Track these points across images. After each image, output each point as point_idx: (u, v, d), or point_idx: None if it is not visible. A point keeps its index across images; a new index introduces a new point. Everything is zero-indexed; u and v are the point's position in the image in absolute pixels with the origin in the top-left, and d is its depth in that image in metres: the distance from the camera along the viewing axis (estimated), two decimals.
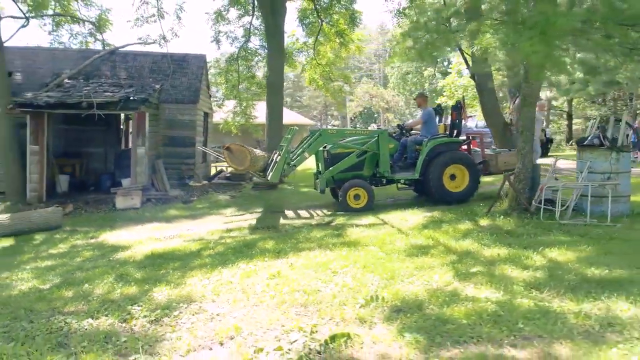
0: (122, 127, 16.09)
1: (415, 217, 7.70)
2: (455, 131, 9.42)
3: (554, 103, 30.54)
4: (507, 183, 7.46)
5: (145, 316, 3.84)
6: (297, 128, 9.91)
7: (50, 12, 13.65)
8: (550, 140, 21.80)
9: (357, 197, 8.65)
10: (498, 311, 3.49)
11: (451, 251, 5.39)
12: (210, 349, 3.21)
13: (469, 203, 8.57)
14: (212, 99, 17.30)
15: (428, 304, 3.73)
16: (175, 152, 13.41)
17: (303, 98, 69.38)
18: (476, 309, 3.54)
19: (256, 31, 16.77)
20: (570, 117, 31.67)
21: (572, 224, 6.41)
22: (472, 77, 15.78)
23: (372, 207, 8.60)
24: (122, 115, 15.35)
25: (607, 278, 4.15)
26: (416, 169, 8.82)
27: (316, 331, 3.28)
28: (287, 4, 14.66)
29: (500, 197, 7.73)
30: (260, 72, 18.43)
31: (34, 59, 13.73)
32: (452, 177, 8.76)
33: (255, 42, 17.02)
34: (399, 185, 9.58)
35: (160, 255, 6.14)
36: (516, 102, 15.46)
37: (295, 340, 3.17)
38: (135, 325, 3.67)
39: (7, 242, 8.32)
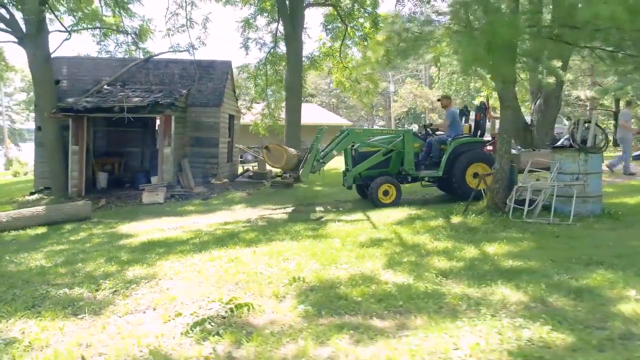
0: (157, 128, 17.34)
1: (401, 213, 8.15)
2: (479, 131, 9.85)
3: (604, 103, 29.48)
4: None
5: (110, 288, 4.64)
6: (327, 128, 10.33)
7: (88, 25, 14.98)
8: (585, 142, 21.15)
9: (386, 192, 9.13)
10: (392, 292, 4.00)
11: (401, 244, 5.87)
12: (144, 312, 3.94)
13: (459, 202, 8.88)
14: (241, 101, 18.27)
15: (340, 285, 4.29)
16: (200, 152, 14.43)
17: (350, 99, 69.97)
18: (376, 290, 4.07)
19: (283, 37, 17.57)
20: (616, 116, 30.37)
21: (535, 222, 6.68)
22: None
23: (399, 203, 9.04)
24: (158, 118, 16.59)
25: (516, 269, 4.52)
26: (440, 167, 9.29)
27: (230, 302, 3.93)
28: (307, 12, 15.34)
29: (482, 196, 8.04)
30: None
31: (79, 67, 15.20)
32: (475, 175, 9.08)
33: (282, 47, 17.82)
34: (423, 182, 9.95)
35: (153, 243, 6.99)
36: (537, 103, 15.52)
37: (211, 308, 3.83)
38: (98, 295, 4.48)
39: (41, 230, 9.49)
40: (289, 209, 10.02)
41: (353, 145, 9.54)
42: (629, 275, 4.15)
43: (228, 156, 15.68)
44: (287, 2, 14.17)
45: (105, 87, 14.39)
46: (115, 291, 4.54)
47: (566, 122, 22.49)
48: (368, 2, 16.58)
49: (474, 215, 7.37)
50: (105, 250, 6.65)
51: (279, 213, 9.61)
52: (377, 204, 8.94)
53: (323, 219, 8.35)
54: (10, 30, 13.42)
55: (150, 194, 12.53)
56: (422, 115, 59.71)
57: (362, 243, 6.01)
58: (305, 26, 15.84)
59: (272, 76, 18.27)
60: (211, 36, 61.83)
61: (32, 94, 51.62)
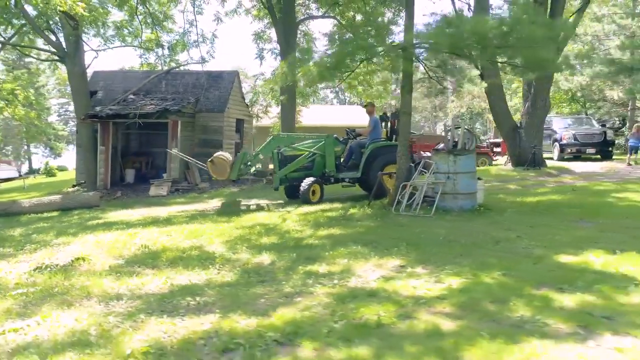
0: None
1: (317, 207, 9.37)
2: (394, 136, 10.60)
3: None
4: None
5: (37, 246, 6.50)
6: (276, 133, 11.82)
7: (118, 43, 17.57)
8: (612, 143, 20.71)
9: (313, 192, 9.84)
10: (199, 255, 5.46)
11: (273, 228, 7.24)
12: (29, 261, 5.72)
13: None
14: (258, 106, 20.14)
15: (171, 250, 5.82)
16: (207, 152, 16.35)
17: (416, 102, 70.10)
18: (193, 254, 5.55)
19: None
20: None
21: (405, 215, 7.73)
22: (481, 78, 16.33)
23: (322, 200, 9.83)
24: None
25: (304, 244, 5.79)
26: (359, 169, 10.12)
27: (78, 258, 5.58)
28: (313, 24, 16.83)
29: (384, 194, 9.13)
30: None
31: (112, 80, 17.83)
32: (391, 175, 9.72)
33: None
34: (343, 184, 10.90)
35: (108, 223, 8.88)
36: (526, 105, 15.83)
37: (61, 260, 5.52)
38: (25, 251, 6.35)
39: (54, 214, 11.85)
40: (252, 202, 11.58)
41: (279, 149, 10.27)
42: (379, 251, 5.26)
43: (234, 155, 17.55)
44: (281, 21, 15.77)
45: (130, 96, 16.84)
46: (38, 248, 6.41)
47: (595, 124, 22.00)
48: (376, 12, 17.64)
49: (369, 209, 8.52)
50: (70, 228, 8.65)
51: (240, 203, 11.20)
52: (307, 202, 9.64)
53: (252, 208, 9.82)
54: (54, 50, 16.28)
55: (156, 187, 14.71)
56: (487, 117, 58.59)
57: (242, 226, 7.46)
58: (315, 37, 17.37)
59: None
60: (229, 45, 65.77)
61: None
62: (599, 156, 19.03)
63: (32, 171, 37.15)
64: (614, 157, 19.59)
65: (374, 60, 8.31)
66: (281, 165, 10.25)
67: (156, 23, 19.62)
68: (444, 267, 4.39)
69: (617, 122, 28.38)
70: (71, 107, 56.97)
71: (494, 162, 18.86)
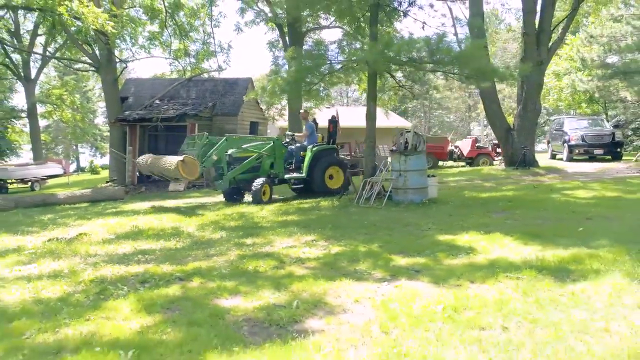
0: None
1: (293, 200, 10.80)
2: (332, 140, 11.44)
3: None
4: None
5: (57, 226, 8.24)
6: (206, 133, 11.36)
7: (144, 54, 19.52)
8: (621, 144, 21.05)
9: (264, 192, 10.15)
10: (152, 227, 6.99)
11: (234, 214, 8.70)
12: (48, 235, 7.40)
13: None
14: (274, 109, 21.74)
15: (150, 229, 7.37)
16: None
17: (445, 99, 70.35)
18: (155, 232, 7.10)
19: None
20: None
21: (358, 206, 9.01)
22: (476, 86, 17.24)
23: (270, 201, 10.26)
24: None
25: (258, 226, 7.21)
26: (303, 170, 10.75)
27: (81, 233, 7.21)
28: (324, 34, 18.27)
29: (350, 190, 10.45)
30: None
31: (142, 86, 19.86)
32: (331, 177, 11.02)
33: None
34: (292, 186, 11.19)
35: (126, 211, 10.59)
36: (519, 108, 16.64)
37: (70, 235, 7.18)
38: (47, 230, 8.09)
39: (84, 205, 13.78)
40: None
41: (227, 151, 10.34)
42: (307, 231, 6.61)
43: None
44: (289, 33, 17.27)
45: (156, 102, 18.78)
46: (52, 229, 8.14)
47: (607, 125, 22.31)
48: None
49: (337, 201, 9.84)
50: (86, 213, 10.42)
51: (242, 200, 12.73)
52: (259, 202, 9.88)
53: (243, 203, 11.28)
54: (91, 61, 18.42)
55: (174, 183, 16.37)
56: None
57: (223, 214, 8.94)
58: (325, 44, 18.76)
59: None
60: (239, 57, 67.77)
61: None
62: (609, 157, 19.41)
63: (79, 169, 40.23)
64: (623, 157, 19.92)
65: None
66: (229, 167, 10.30)
67: (183, 34, 21.58)
68: (341, 241, 5.72)
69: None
70: None
71: (495, 162, 19.65)
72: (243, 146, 10.88)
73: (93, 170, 36.96)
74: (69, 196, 14.17)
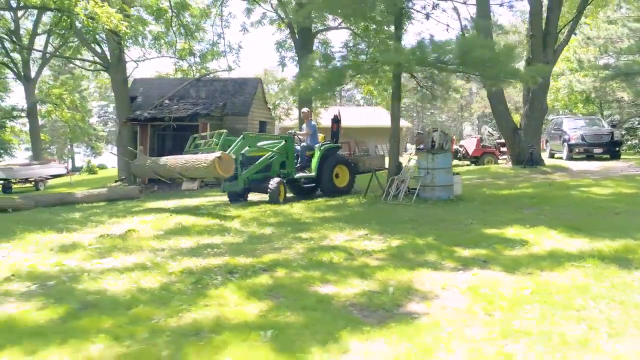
0: None
1: (316, 198, 10.99)
2: (335, 139, 11.39)
3: None
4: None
5: (96, 224, 8.39)
6: (226, 131, 11.01)
7: (155, 53, 19.64)
8: (620, 143, 21.62)
9: (279, 192, 9.90)
10: (195, 223, 7.20)
11: (267, 211, 8.92)
12: (94, 231, 7.56)
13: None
14: (280, 109, 21.96)
15: (194, 226, 7.56)
16: None
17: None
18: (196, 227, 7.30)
19: None
20: None
21: (390, 203, 9.29)
22: (484, 86, 17.65)
23: (286, 200, 10.08)
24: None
25: (300, 222, 7.44)
26: (312, 169, 10.70)
27: (130, 230, 7.39)
28: (330, 35, 18.52)
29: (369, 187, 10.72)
30: None
31: (150, 86, 19.94)
32: (337, 175, 11.01)
33: None
34: (304, 185, 10.98)
35: (154, 209, 10.73)
36: (525, 108, 17.07)
37: (119, 231, 7.35)
38: (87, 227, 8.23)
39: (102, 204, 13.88)
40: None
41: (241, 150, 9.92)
42: (353, 226, 6.87)
43: None
44: (299, 33, 17.54)
45: (165, 101, 18.88)
46: (94, 226, 8.29)
47: (605, 125, 22.90)
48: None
49: (364, 199, 10.11)
50: (115, 212, 10.55)
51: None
52: (276, 202, 9.64)
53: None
54: (100, 61, 18.46)
55: (187, 182, 16.45)
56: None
57: (256, 211, 9.16)
58: (332, 45, 19.03)
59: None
60: (248, 58, 68.22)
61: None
62: (607, 156, 19.95)
63: (75, 169, 40.00)
64: (622, 156, 20.47)
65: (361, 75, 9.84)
66: (243, 166, 9.99)
67: (188, 34, 21.68)
68: (394, 235, 5.98)
69: (636, 122, 28.94)
70: (110, 109, 60.29)
71: (499, 161, 20.09)
72: (258, 144, 10.58)
73: (90, 170, 36.80)
74: (87, 195, 14.25)
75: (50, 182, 26.10)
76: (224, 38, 20.97)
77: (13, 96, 61.72)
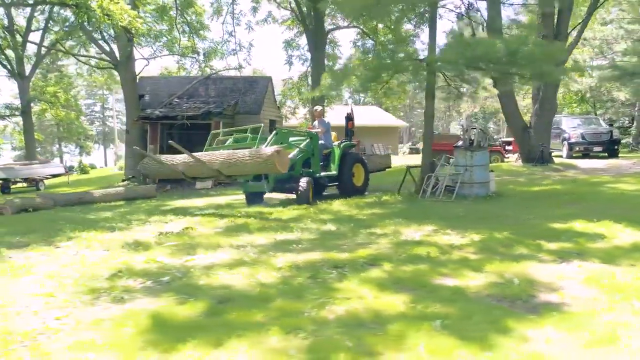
0: None
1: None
2: (349, 137, 11.23)
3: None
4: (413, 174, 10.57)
5: (140, 223, 8.28)
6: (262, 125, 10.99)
7: (165, 51, 19.48)
8: (618, 142, 22.18)
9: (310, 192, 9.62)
10: (248, 221, 7.19)
11: (310, 209, 8.94)
12: (145, 229, 7.48)
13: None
14: (287, 108, 21.93)
15: (249, 224, 7.54)
16: None
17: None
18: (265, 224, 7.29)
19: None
20: None
21: (430, 200, 9.40)
22: (494, 85, 17.93)
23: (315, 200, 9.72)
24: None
25: (356, 219, 7.48)
26: (334, 167, 10.46)
27: (186, 228, 7.32)
28: (336, 34, 18.57)
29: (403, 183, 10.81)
30: None
31: (157, 85, 19.73)
32: (353, 174, 10.72)
33: None
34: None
35: (186, 207, 10.59)
36: (535, 107, 17.39)
37: (175, 228, 7.28)
38: (134, 226, 8.13)
39: (121, 203, 13.68)
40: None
41: None
42: (416, 222, 6.94)
43: None
44: (312, 31, 17.60)
45: (175, 100, 18.70)
46: (141, 224, 8.18)
47: (603, 124, 23.48)
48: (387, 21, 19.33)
49: (399, 196, 10.19)
50: (148, 211, 10.43)
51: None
52: (305, 202, 9.26)
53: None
54: (109, 59, 18.19)
55: (201, 181, 16.52)
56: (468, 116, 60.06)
57: (298, 208, 9.15)
58: (339, 44, 19.09)
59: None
60: (262, 51, 68.02)
61: None
62: (606, 154, 20.45)
63: (71, 169, 39.35)
64: (620, 155, 21.01)
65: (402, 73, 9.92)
66: None
67: (193, 32, 21.52)
68: (465, 229, 6.07)
69: (627, 122, 29.77)
70: (97, 108, 59.31)
71: (505, 160, 20.42)
72: (290, 139, 10.24)
73: (82, 170, 36.18)
74: (104, 194, 14.04)
75: (48, 181, 25.64)
76: (234, 36, 20.69)
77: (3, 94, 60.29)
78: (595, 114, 28.82)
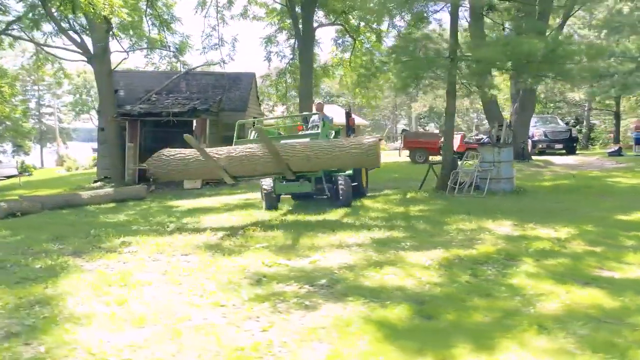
0: (194, 129, 20.69)
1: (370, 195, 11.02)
2: (351, 134, 11.15)
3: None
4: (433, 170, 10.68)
5: (171, 225, 7.76)
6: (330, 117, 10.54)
7: (140, 45, 18.47)
8: (576, 139, 23.65)
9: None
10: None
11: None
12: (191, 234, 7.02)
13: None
14: (264, 105, 21.49)
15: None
16: None
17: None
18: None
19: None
20: (618, 116, 32.44)
21: (459, 196, 9.52)
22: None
23: None
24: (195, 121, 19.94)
25: (412, 216, 7.43)
26: None
27: (246, 227, 6.95)
28: (320, 30, 18.44)
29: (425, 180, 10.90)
30: None
31: (132, 79, 18.66)
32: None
33: None
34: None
35: (201, 208, 10.08)
36: (515, 106, 18.16)
37: (235, 228, 6.89)
38: (171, 229, 7.60)
39: (112, 205, 12.79)
40: None
41: None
42: (483, 218, 6.97)
43: None
44: (300, 26, 17.33)
45: (153, 95, 17.76)
46: (176, 228, 7.67)
47: (560, 122, 24.94)
48: (372, 20, 19.45)
49: (425, 193, 10.23)
50: (158, 213, 9.78)
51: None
52: (348, 204, 8.53)
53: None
54: (80, 51, 16.95)
55: (189, 181, 15.82)
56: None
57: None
58: (319, 41, 18.94)
59: (291, 83, 21.43)
60: (240, 48, 66.44)
61: (78, 96, 56.34)
62: (564, 151, 21.76)
63: (24, 170, 36.50)
64: (577, 152, 22.45)
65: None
66: None
67: (164, 24, 20.53)
68: (547, 224, 6.18)
69: (572, 121, 31.83)
70: (32, 105, 55.35)
71: None
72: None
73: (25, 170, 33.62)
74: (93, 196, 13.06)
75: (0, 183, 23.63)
76: (217, 30, 19.95)
77: None
78: (548, 113, 30.59)
